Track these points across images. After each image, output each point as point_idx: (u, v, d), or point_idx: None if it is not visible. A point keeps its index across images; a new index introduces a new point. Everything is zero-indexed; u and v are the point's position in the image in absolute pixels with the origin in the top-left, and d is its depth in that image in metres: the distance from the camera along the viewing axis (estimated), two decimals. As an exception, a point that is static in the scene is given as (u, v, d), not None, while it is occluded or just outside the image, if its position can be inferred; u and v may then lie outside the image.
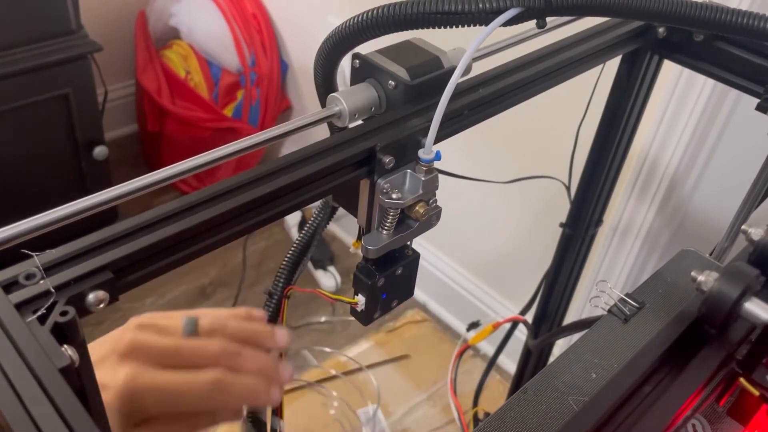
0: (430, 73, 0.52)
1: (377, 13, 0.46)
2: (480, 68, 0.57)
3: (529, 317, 1.02)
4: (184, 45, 2.03)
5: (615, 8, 0.47)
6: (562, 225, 0.93)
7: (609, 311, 0.54)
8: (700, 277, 0.48)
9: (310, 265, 1.88)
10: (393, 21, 0.46)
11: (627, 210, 1.28)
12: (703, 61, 0.68)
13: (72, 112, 1.63)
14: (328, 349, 0.52)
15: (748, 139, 1.14)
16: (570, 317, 1.07)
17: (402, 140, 0.49)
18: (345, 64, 0.52)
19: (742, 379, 0.48)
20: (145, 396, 0.47)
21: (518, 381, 1.10)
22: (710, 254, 0.62)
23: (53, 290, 0.37)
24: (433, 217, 0.53)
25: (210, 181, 1.84)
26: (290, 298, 0.57)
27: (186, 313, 0.50)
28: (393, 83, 0.51)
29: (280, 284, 0.58)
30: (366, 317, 0.55)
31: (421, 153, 0.50)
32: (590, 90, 0.81)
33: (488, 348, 1.62)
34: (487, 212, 1.57)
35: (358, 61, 0.52)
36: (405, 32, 0.48)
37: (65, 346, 0.36)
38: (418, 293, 1.78)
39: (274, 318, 0.58)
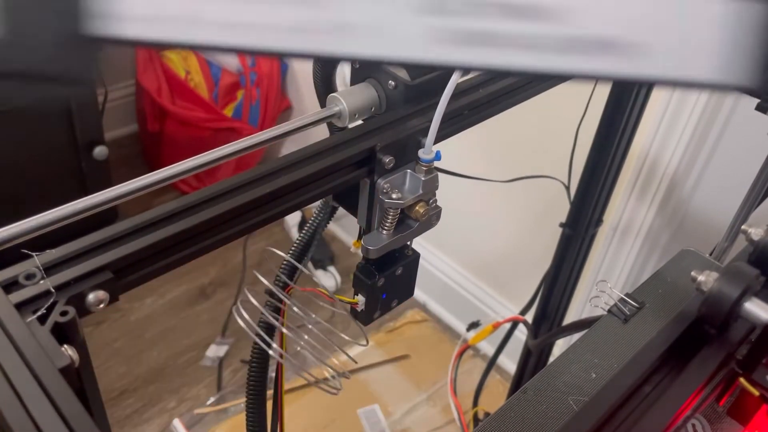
0: (430, 73, 0.52)
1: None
2: (480, 68, 0.57)
3: (529, 317, 1.02)
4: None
5: None
6: (562, 225, 0.93)
7: (609, 311, 0.54)
8: (700, 277, 0.48)
9: (310, 265, 1.88)
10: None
11: (627, 210, 1.28)
12: (703, 61, 0.68)
13: (72, 112, 1.63)
14: (328, 349, 0.52)
15: (748, 139, 1.14)
16: (570, 317, 1.07)
17: (402, 140, 0.49)
18: (345, 64, 0.52)
19: (742, 379, 0.48)
20: None
21: (518, 381, 1.10)
22: (710, 254, 0.62)
23: (53, 290, 0.37)
24: (433, 217, 0.53)
25: (210, 181, 1.84)
26: (290, 298, 0.57)
27: None
28: (393, 83, 0.51)
29: (280, 284, 0.58)
30: (366, 317, 0.55)
31: (421, 153, 0.50)
32: (590, 90, 0.81)
33: (488, 348, 1.62)
34: (487, 212, 1.57)
35: (358, 62, 0.52)
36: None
37: (65, 346, 0.36)
38: (418, 293, 1.78)
39: (274, 318, 0.58)
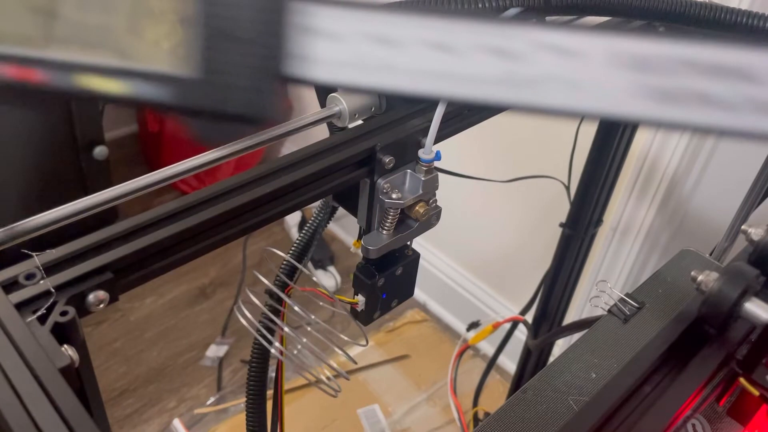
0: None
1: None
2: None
3: (529, 317, 1.02)
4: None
5: (615, 8, 0.47)
6: (562, 225, 0.93)
7: (609, 311, 0.54)
8: (700, 277, 0.48)
9: (310, 265, 1.88)
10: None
11: (627, 210, 1.28)
12: (703, 61, 0.68)
13: (72, 112, 1.63)
14: (327, 350, 0.52)
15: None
16: (570, 317, 1.07)
17: (402, 140, 0.49)
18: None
19: (742, 379, 0.48)
20: None
21: (518, 381, 1.10)
22: (710, 254, 0.62)
23: (53, 290, 0.37)
24: (433, 217, 0.53)
25: (210, 181, 1.84)
26: (290, 298, 0.57)
27: None
28: (393, 83, 0.51)
29: (280, 284, 0.58)
30: (366, 317, 0.55)
31: (421, 153, 0.50)
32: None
33: (488, 348, 1.62)
34: (487, 212, 1.57)
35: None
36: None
37: (65, 346, 0.36)
38: (418, 293, 1.78)
39: (275, 316, 0.58)
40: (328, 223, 0.58)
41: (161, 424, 1.45)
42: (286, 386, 0.60)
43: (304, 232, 0.58)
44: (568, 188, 0.92)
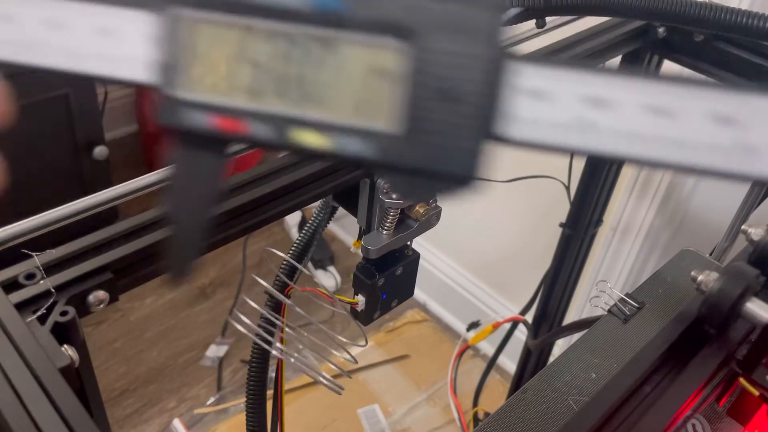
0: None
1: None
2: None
3: (529, 317, 1.02)
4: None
5: (615, 8, 0.47)
6: (562, 225, 0.93)
7: (609, 311, 0.54)
8: (700, 277, 0.48)
9: (310, 265, 1.88)
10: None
11: (627, 210, 1.28)
12: (703, 61, 0.68)
13: (72, 112, 1.63)
14: (328, 349, 0.52)
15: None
16: (570, 317, 1.07)
17: (402, 140, 0.49)
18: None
19: (742, 379, 0.48)
20: None
21: (518, 381, 1.10)
22: (710, 254, 0.62)
23: (53, 290, 0.37)
24: (433, 217, 0.53)
25: (210, 181, 1.84)
26: (290, 298, 0.57)
27: None
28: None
29: (280, 284, 0.58)
30: (366, 317, 0.55)
31: (421, 153, 0.49)
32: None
33: (488, 348, 1.62)
34: (487, 212, 1.57)
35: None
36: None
37: (65, 346, 0.36)
38: (418, 293, 1.78)
39: (275, 318, 0.58)
40: (328, 223, 0.58)
41: (161, 424, 1.45)
42: (286, 386, 0.60)
43: (304, 232, 0.58)
44: (568, 188, 0.92)
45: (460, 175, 0.18)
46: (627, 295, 0.55)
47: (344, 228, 1.97)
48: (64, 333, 0.36)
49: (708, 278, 0.47)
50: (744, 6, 1.05)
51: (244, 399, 0.61)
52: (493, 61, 0.17)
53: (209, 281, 1.78)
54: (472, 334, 1.11)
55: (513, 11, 0.45)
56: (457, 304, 1.72)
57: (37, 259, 0.38)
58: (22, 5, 0.18)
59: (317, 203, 0.56)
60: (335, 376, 0.55)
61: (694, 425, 0.48)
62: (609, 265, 1.35)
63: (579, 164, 0.87)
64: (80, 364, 0.36)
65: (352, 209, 0.53)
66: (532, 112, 0.18)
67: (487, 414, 1.03)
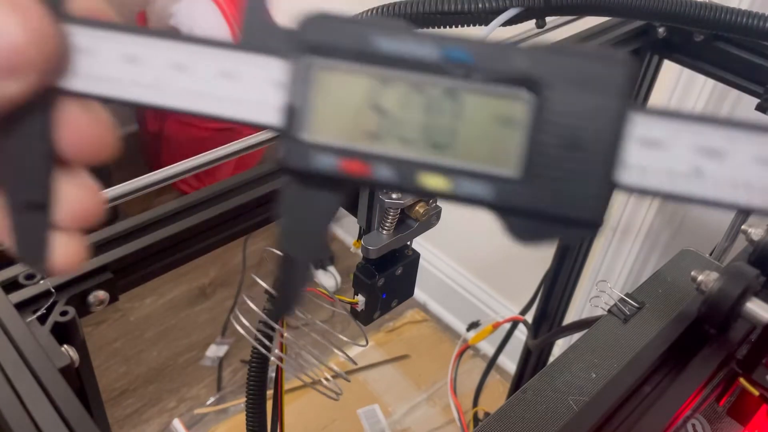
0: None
1: (377, 12, 0.46)
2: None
3: (529, 317, 1.02)
4: (184, 45, 2.03)
5: (615, 8, 0.47)
6: (562, 225, 0.93)
7: (609, 311, 0.54)
8: (701, 277, 0.48)
9: (310, 265, 1.88)
10: (393, 21, 0.46)
11: (627, 210, 1.28)
12: (703, 61, 0.68)
13: (72, 112, 1.63)
14: (327, 352, 0.52)
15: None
16: (570, 317, 1.07)
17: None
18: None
19: (742, 379, 0.48)
20: None
21: (518, 381, 1.10)
22: (710, 254, 0.62)
23: (53, 290, 0.37)
24: (433, 217, 0.53)
25: (210, 181, 1.84)
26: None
27: None
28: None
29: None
30: (366, 317, 0.55)
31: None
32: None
33: (488, 348, 1.62)
34: (487, 212, 1.57)
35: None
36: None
37: (65, 346, 0.36)
38: (418, 293, 1.78)
39: (275, 318, 0.58)
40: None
41: (161, 424, 1.45)
42: (286, 386, 0.60)
43: (304, 232, 0.58)
44: (568, 188, 0.92)
45: (587, 220, 0.19)
46: (627, 295, 0.55)
47: (344, 228, 1.97)
48: (64, 333, 0.36)
49: (708, 278, 0.47)
50: (744, 6, 1.05)
51: (244, 399, 0.61)
52: (620, 113, 0.18)
53: (209, 281, 1.78)
54: (472, 334, 1.11)
55: (513, 11, 0.45)
56: (457, 304, 1.72)
57: (37, 259, 0.38)
58: (150, 48, 0.19)
59: (317, 203, 0.56)
60: (333, 377, 0.55)
61: (694, 425, 0.48)
62: (609, 265, 1.35)
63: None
64: (80, 364, 0.36)
65: (352, 209, 0.53)
66: (645, 160, 0.18)
67: (487, 414, 1.03)
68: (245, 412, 0.61)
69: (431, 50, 0.18)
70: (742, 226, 0.53)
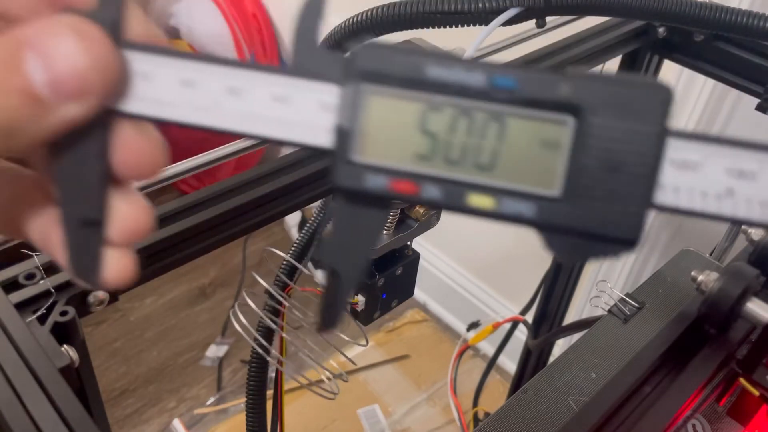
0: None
1: (377, 12, 0.46)
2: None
3: (529, 317, 1.02)
4: (184, 45, 2.03)
5: (615, 8, 0.47)
6: (562, 225, 0.93)
7: (609, 311, 0.54)
8: (701, 277, 0.48)
9: (310, 265, 1.88)
10: (393, 20, 0.46)
11: (627, 210, 1.28)
12: (703, 61, 0.68)
13: (72, 112, 1.63)
14: (327, 351, 0.52)
15: (748, 138, 1.14)
16: (570, 317, 1.07)
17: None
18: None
19: (742, 379, 0.48)
20: None
21: (518, 381, 1.10)
22: (710, 254, 0.62)
23: (53, 290, 0.37)
24: (433, 217, 0.53)
25: (210, 181, 1.84)
26: (290, 298, 0.57)
27: None
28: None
29: (280, 284, 0.58)
30: (366, 317, 0.55)
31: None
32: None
33: (488, 348, 1.62)
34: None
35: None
36: (405, 32, 0.48)
37: (65, 346, 0.36)
38: (418, 293, 1.78)
39: (275, 318, 0.58)
40: (328, 223, 0.58)
41: (161, 424, 1.45)
42: (286, 386, 0.60)
43: (304, 232, 0.58)
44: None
45: (625, 238, 0.20)
46: (627, 295, 0.55)
47: (344, 228, 1.97)
48: (63, 333, 0.36)
49: (708, 278, 0.47)
50: (744, 6, 1.04)
51: (244, 399, 0.61)
52: (659, 138, 0.19)
53: (209, 281, 1.78)
54: (472, 334, 1.11)
55: (513, 11, 0.45)
56: (457, 304, 1.72)
57: (37, 259, 0.38)
58: (206, 73, 0.20)
59: (317, 203, 0.56)
60: (333, 377, 0.55)
61: (694, 425, 0.48)
62: (609, 265, 1.35)
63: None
64: (80, 364, 0.36)
65: (352, 209, 0.53)
66: (679, 181, 0.20)
67: (487, 414, 1.03)
68: (245, 412, 0.61)
69: (479, 77, 0.20)
70: (743, 226, 0.53)
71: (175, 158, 0.43)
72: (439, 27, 0.46)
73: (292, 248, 0.58)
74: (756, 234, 0.52)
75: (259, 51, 1.95)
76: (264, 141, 0.21)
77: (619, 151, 0.19)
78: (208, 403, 1.48)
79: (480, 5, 0.45)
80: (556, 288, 0.97)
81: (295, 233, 1.94)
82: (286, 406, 0.61)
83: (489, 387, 1.24)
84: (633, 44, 0.70)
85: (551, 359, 1.07)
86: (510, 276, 1.60)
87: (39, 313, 0.36)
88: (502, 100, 0.20)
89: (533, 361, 1.05)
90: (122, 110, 0.20)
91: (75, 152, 0.20)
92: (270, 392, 0.61)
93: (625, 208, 0.20)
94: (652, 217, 1.25)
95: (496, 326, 0.91)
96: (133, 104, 0.20)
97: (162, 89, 0.20)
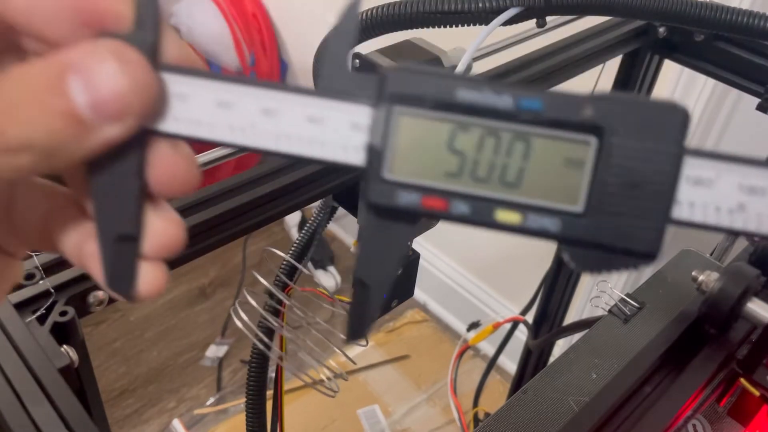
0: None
1: (377, 12, 0.46)
2: (480, 68, 0.57)
3: (530, 317, 1.02)
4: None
5: (615, 8, 0.47)
6: (562, 225, 0.93)
7: (609, 311, 0.54)
8: (701, 277, 0.48)
9: (310, 265, 1.88)
10: (393, 20, 0.46)
11: (627, 210, 1.28)
12: (704, 61, 0.68)
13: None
14: (327, 351, 0.52)
15: (748, 139, 1.14)
16: (570, 317, 1.07)
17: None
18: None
19: (742, 380, 0.48)
20: None
21: (518, 381, 1.10)
22: (710, 254, 0.62)
23: (53, 290, 0.37)
24: (433, 217, 0.52)
25: (210, 181, 1.84)
26: (290, 298, 0.57)
27: None
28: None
29: (280, 284, 0.58)
30: (366, 317, 0.55)
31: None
32: (590, 90, 0.81)
33: (488, 348, 1.62)
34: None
35: (358, 61, 0.52)
36: (405, 32, 0.48)
37: (65, 346, 0.36)
38: (418, 293, 1.78)
39: (274, 318, 0.58)
40: (328, 223, 0.58)
41: (161, 424, 1.45)
42: (286, 386, 0.60)
43: (304, 232, 0.58)
44: (568, 188, 0.92)
45: (644, 252, 0.22)
46: (627, 295, 0.55)
47: (344, 228, 1.97)
48: (63, 333, 0.36)
49: (708, 278, 0.47)
50: (744, 6, 1.04)
51: (244, 399, 0.61)
52: (677, 157, 0.20)
53: (209, 281, 1.78)
54: (472, 334, 1.11)
55: (513, 11, 0.45)
56: (457, 304, 1.72)
57: (37, 259, 0.38)
58: (241, 95, 0.21)
59: (317, 203, 0.56)
60: (333, 377, 0.55)
61: (694, 425, 0.48)
62: (609, 265, 1.35)
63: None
64: (80, 364, 0.36)
65: (352, 209, 0.53)
66: (694, 197, 0.21)
67: (487, 414, 1.03)
68: (245, 412, 0.61)
69: (507, 100, 0.21)
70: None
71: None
72: (439, 27, 0.46)
73: (292, 248, 0.58)
74: (756, 234, 0.52)
75: (259, 51, 1.94)
76: (298, 160, 0.22)
77: (639, 170, 0.21)
78: (208, 403, 1.48)
79: (480, 5, 0.44)
80: (557, 288, 0.97)
81: (295, 233, 1.95)
82: (286, 406, 0.61)
83: (489, 387, 1.24)
84: (633, 44, 0.70)
85: (551, 359, 1.07)
86: (510, 276, 1.60)
87: (39, 313, 0.36)
88: (528, 121, 0.21)
89: (533, 361, 1.05)
90: (159, 130, 0.21)
91: (113, 170, 0.21)
92: (270, 392, 0.61)
93: (645, 222, 0.21)
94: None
95: (497, 326, 0.91)
96: (169, 124, 0.21)
97: (198, 110, 0.21)
